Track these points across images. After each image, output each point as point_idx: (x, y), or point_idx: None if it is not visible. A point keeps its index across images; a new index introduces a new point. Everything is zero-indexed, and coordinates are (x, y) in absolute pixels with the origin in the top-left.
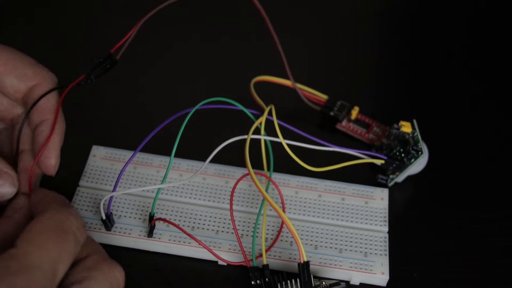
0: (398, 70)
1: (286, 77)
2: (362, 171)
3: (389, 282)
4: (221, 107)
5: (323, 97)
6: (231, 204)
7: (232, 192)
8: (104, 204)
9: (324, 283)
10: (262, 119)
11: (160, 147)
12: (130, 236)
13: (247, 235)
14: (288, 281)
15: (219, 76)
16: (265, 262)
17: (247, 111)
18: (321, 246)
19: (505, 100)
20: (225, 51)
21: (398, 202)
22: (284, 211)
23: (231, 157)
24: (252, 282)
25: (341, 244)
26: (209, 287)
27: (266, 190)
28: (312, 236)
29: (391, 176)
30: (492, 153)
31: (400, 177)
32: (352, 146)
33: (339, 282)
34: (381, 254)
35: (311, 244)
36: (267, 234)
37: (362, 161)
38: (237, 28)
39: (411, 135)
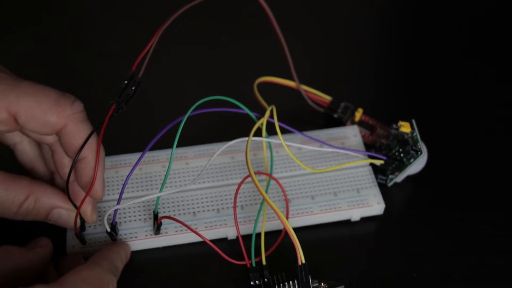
0: (397, 70)
1: (289, 79)
2: None
3: (389, 282)
4: (222, 110)
5: (327, 98)
6: (234, 208)
7: (235, 200)
8: (108, 217)
9: (322, 284)
10: (263, 120)
11: (161, 143)
12: (137, 239)
13: (249, 221)
14: (286, 283)
15: (222, 77)
16: (264, 263)
17: (249, 111)
18: (317, 195)
19: (505, 101)
20: (227, 52)
21: (397, 202)
22: (287, 217)
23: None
24: (251, 283)
25: (334, 188)
26: (210, 283)
27: (267, 189)
28: (306, 187)
29: (390, 176)
30: (492, 153)
31: (400, 177)
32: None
33: (338, 283)
34: (370, 187)
35: (307, 196)
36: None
37: (361, 161)
38: (238, 29)
39: (410, 135)
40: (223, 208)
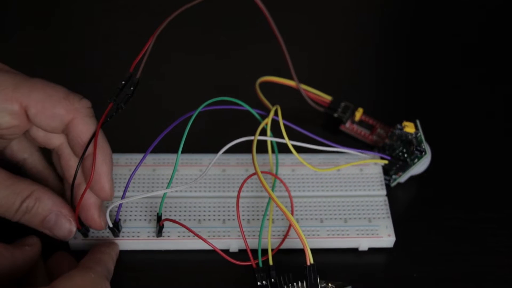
0: (400, 71)
1: (290, 79)
2: None
3: (389, 282)
4: (226, 107)
5: (327, 98)
6: (237, 207)
7: (238, 200)
8: (111, 212)
9: (330, 284)
10: (268, 120)
11: (172, 145)
12: (139, 238)
13: (253, 235)
14: (295, 283)
15: (223, 79)
16: (271, 263)
17: (253, 111)
18: (326, 219)
19: (507, 101)
20: (228, 54)
21: (400, 202)
22: (292, 213)
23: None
24: (258, 283)
25: (344, 214)
26: (216, 285)
27: (273, 188)
28: (315, 210)
29: (393, 177)
30: (494, 153)
31: (403, 178)
32: (355, 147)
33: (344, 284)
34: (384, 217)
35: (316, 218)
36: (273, 233)
37: (366, 161)
38: (239, 31)
39: (414, 135)
40: (229, 219)
